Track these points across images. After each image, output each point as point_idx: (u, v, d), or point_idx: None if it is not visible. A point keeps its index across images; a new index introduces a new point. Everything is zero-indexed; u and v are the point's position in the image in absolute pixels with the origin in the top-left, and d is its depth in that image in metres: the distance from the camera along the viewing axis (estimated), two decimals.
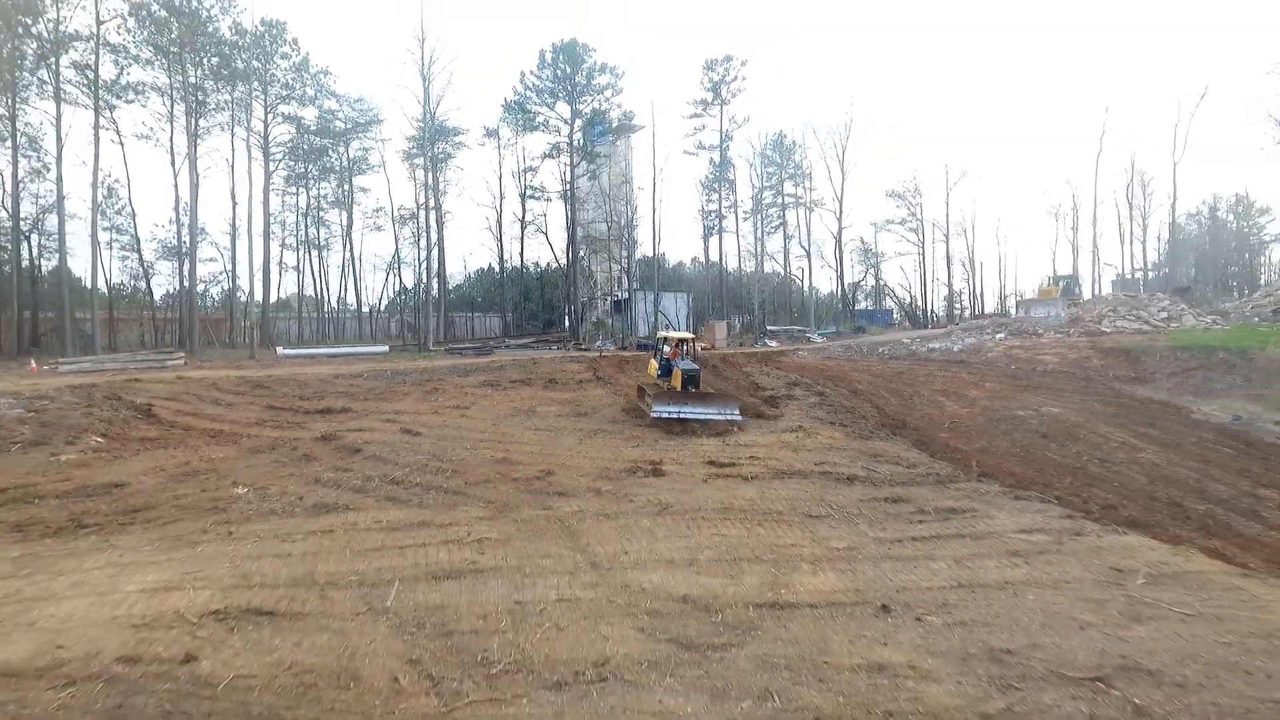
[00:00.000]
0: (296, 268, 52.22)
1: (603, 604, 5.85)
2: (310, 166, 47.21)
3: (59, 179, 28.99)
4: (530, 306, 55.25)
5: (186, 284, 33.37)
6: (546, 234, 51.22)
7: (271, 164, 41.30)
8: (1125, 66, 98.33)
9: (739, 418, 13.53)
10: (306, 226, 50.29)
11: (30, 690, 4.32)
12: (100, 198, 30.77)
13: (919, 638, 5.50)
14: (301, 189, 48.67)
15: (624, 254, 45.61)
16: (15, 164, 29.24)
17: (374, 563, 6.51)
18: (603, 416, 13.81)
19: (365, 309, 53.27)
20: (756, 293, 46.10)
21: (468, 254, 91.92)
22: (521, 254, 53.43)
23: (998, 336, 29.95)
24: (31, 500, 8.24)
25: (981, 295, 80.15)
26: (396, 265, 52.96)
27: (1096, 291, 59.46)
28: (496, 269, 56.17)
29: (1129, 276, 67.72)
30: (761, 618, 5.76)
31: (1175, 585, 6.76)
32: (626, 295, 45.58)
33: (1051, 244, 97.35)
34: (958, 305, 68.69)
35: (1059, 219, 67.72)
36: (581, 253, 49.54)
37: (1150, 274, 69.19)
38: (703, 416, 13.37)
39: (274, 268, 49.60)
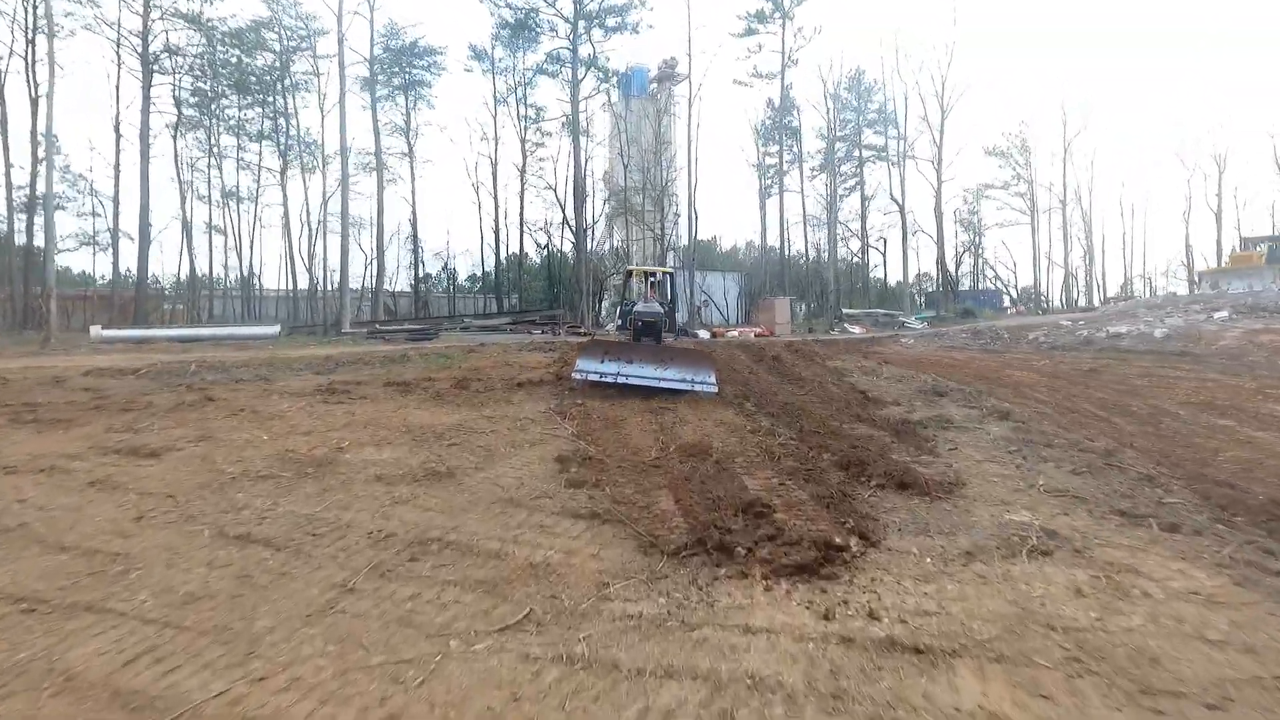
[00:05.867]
0: (220, 228, 43.61)
1: None
2: (234, 94, 36.84)
3: None
4: (542, 286, 46.57)
5: (24, 243, 26.16)
6: (555, 189, 42.42)
7: (168, 80, 30.96)
8: None
9: (714, 389, 9.08)
10: (221, 175, 39.74)
11: None
12: None
13: None
14: (218, 122, 37.91)
15: (659, 224, 36.88)
16: None
17: None
18: (486, 493, 5.17)
19: (302, 283, 43.91)
20: (832, 268, 36.27)
21: (448, 214, 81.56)
22: (521, 212, 44.31)
23: (1216, 316, 19.88)
24: None
25: (1104, 275, 67.46)
26: (317, 224, 43.74)
27: None
28: (518, 251, 48.10)
29: None
30: None
31: None
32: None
33: (1184, 212, 73.29)
34: (1076, 287, 56.80)
35: (1205, 177, 54.14)
36: (601, 215, 40.49)
37: None
38: (654, 383, 9.01)
39: (178, 225, 39.62)
